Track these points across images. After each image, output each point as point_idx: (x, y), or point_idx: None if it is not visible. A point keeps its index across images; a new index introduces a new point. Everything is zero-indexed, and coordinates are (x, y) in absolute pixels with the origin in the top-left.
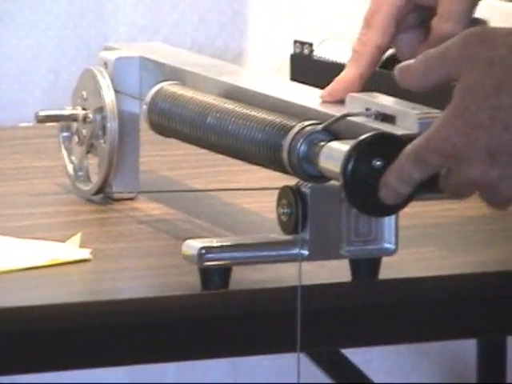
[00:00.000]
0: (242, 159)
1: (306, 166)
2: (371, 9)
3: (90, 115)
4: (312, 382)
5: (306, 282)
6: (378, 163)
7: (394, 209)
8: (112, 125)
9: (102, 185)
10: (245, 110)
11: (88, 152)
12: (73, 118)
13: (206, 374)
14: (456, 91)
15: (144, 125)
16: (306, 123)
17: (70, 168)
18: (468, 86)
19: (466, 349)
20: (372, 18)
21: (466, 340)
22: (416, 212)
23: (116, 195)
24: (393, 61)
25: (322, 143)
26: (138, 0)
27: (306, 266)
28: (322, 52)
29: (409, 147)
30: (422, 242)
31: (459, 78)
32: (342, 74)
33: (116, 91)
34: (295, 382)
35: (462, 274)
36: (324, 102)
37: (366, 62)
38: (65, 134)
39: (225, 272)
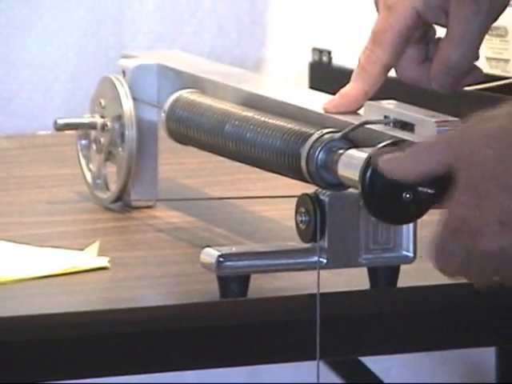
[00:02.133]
0: (260, 167)
1: (324, 174)
2: (381, 25)
3: (109, 123)
4: None
5: (325, 289)
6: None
7: (412, 217)
8: (130, 133)
9: (120, 193)
10: (263, 118)
11: (106, 160)
12: (91, 125)
13: (226, 376)
14: (460, 171)
15: (162, 133)
16: (325, 131)
17: (89, 176)
18: (470, 160)
19: (485, 357)
20: (382, 35)
21: (485, 348)
22: (434, 220)
23: (134, 203)
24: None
25: (341, 151)
26: (157, 8)
27: (325, 273)
28: (340, 60)
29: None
30: None
31: (458, 159)
32: (347, 88)
33: (134, 99)
34: None
35: None
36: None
37: (372, 80)
38: (83, 141)
39: (243, 280)
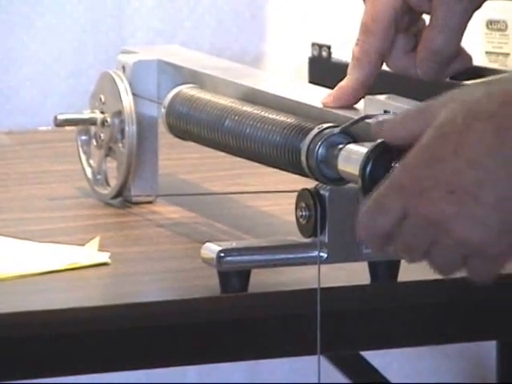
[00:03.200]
0: (260, 162)
1: (324, 169)
2: (369, 14)
3: (109, 119)
4: None
5: (325, 284)
6: (397, 165)
7: None
8: (130, 128)
9: (120, 188)
10: (263, 113)
11: (106, 155)
12: (91, 121)
13: (226, 375)
14: (428, 128)
15: (162, 128)
16: (325, 126)
17: (89, 172)
18: (439, 123)
19: (486, 351)
20: (372, 24)
21: (486, 342)
22: None
23: (134, 199)
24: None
25: (341, 146)
26: (156, 4)
27: (325, 268)
28: (340, 55)
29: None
30: None
31: (428, 127)
32: (345, 81)
33: (134, 95)
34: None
35: None
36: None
37: (368, 69)
38: (83, 137)
39: (244, 275)
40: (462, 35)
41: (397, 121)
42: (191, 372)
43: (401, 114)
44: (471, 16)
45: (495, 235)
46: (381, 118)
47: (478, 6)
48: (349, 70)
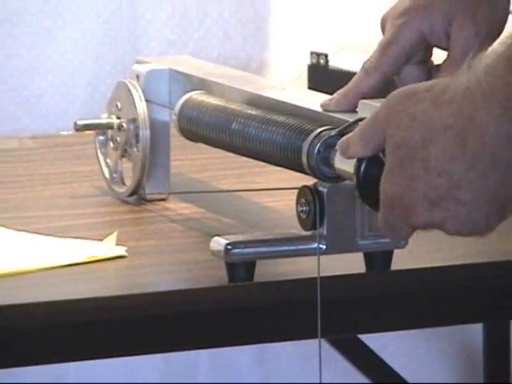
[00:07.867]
0: (265, 161)
1: (323, 168)
2: (388, 38)
3: (124, 124)
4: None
5: (325, 273)
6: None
7: None
8: (144, 133)
9: (135, 187)
10: (266, 117)
11: (122, 156)
12: (108, 126)
13: (235, 358)
14: (387, 150)
15: (174, 131)
16: (323, 128)
17: (106, 171)
18: (397, 143)
19: (474, 332)
20: (388, 47)
21: (473, 325)
22: None
23: (149, 196)
24: None
25: (338, 147)
26: (168, 17)
27: (324, 259)
28: (336, 62)
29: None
30: (432, 234)
31: (388, 141)
32: (347, 88)
33: (147, 101)
34: (317, 365)
35: (470, 263)
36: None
37: (372, 82)
38: (101, 137)
39: (250, 266)
40: None
41: (357, 138)
42: (202, 357)
43: (357, 129)
44: (488, 47)
45: (483, 225)
46: (344, 138)
47: (494, 40)
48: (354, 79)
